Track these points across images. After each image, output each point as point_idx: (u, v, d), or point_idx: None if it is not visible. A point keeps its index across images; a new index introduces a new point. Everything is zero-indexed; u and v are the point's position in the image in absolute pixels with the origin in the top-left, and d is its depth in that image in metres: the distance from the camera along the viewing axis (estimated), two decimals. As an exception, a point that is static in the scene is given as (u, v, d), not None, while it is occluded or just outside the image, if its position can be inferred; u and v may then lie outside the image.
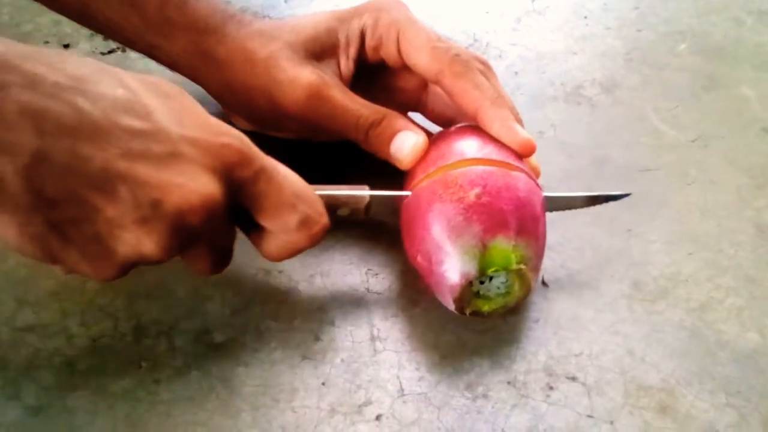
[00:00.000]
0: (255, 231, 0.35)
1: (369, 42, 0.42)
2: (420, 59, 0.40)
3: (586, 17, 0.60)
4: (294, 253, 0.35)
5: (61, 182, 0.28)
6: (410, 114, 0.45)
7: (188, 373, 0.36)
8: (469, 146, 0.38)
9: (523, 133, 0.38)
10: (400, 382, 0.36)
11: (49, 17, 0.55)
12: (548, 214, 0.39)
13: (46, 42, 0.54)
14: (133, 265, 0.31)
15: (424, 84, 0.44)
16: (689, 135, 0.50)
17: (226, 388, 0.36)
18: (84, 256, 0.30)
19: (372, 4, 0.42)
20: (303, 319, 0.39)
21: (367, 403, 0.35)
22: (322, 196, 0.35)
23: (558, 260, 0.42)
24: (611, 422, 0.35)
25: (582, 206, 0.41)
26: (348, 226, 0.42)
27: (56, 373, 0.36)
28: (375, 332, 0.38)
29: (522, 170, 0.37)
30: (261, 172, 0.32)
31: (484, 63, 0.41)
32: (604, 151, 0.49)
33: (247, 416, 0.35)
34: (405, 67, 0.42)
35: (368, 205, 0.38)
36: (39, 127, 0.27)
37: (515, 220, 0.35)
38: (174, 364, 0.36)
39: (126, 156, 0.29)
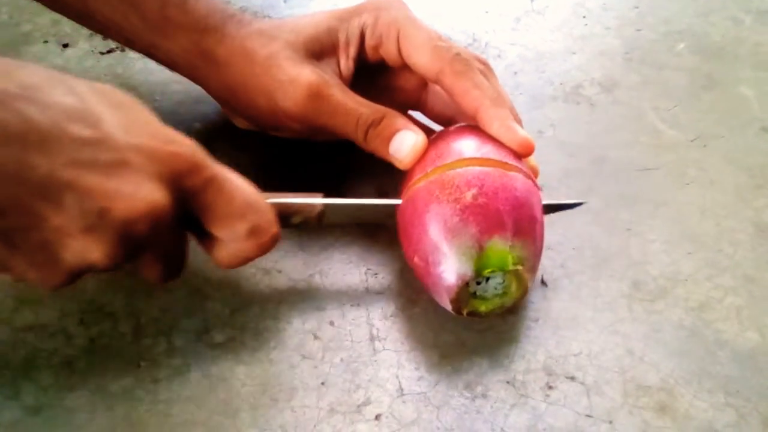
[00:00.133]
0: (206, 238, 0.35)
1: (369, 41, 0.42)
2: (420, 58, 0.40)
3: (585, 17, 0.60)
4: (244, 261, 0.35)
5: (7, 190, 0.28)
6: (412, 113, 0.45)
7: (187, 373, 0.36)
8: (467, 146, 0.38)
9: (522, 133, 0.38)
10: (400, 382, 0.36)
11: (48, 17, 0.55)
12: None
13: (46, 42, 0.54)
14: (81, 273, 0.31)
15: (424, 83, 0.44)
16: (688, 134, 0.50)
17: (226, 387, 0.36)
18: (31, 264, 0.30)
19: (372, 3, 0.42)
20: (302, 319, 0.39)
21: (367, 402, 0.35)
22: (274, 205, 0.35)
23: (557, 260, 0.42)
24: (610, 422, 0.35)
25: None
26: (348, 226, 0.42)
27: (55, 372, 0.36)
28: (374, 332, 0.38)
29: (520, 170, 0.37)
30: (211, 181, 0.32)
31: (484, 63, 0.41)
32: (604, 151, 0.49)
33: (246, 416, 0.35)
34: (405, 67, 0.42)
35: (321, 213, 0.38)
36: None
37: (512, 221, 0.35)
38: (173, 363, 0.36)
39: (73, 164, 0.28)
